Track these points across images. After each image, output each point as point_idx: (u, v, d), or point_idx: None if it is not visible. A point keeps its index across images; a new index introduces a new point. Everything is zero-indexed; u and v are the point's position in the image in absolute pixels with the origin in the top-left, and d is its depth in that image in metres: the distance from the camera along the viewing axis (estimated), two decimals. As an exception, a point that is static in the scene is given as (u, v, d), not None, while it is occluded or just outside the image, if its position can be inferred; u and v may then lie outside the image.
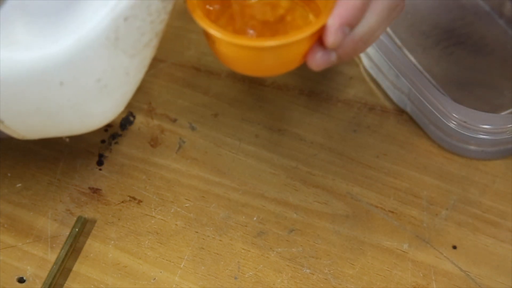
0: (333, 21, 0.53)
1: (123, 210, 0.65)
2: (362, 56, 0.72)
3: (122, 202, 0.65)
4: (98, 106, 0.54)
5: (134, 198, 0.65)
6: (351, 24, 0.54)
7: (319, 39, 0.55)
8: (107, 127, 0.69)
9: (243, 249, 0.63)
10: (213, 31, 0.54)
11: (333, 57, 0.55)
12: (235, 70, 0.58)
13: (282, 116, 0.70)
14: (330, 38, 0.53)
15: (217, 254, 0.63)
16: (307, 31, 0.53)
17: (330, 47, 0.54)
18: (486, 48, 0.73)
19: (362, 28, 0.55)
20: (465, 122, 0.64)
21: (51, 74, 0.51)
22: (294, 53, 0.55)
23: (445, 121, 0.65)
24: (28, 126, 0.54)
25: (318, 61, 0.55)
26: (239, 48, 0.54)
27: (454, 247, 0.63)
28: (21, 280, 0.61)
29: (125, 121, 0.69)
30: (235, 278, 0.62)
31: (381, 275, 0.62)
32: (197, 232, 0.64)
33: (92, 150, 0.68)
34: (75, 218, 0.64)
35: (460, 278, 0.61)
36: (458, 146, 0.67)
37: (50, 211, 0.64)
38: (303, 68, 0.72)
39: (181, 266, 0.62)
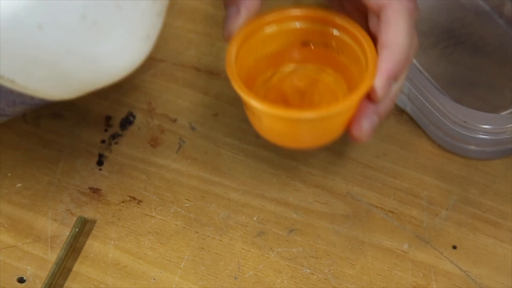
0: (382, 76, 0.53)
1: (123, 210, 0.65)
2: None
3: (122, 202, 0.65)
4: (99, 48, 0.50)
5: (134, 198, 0.65)
6: (396, 78, 0.54)
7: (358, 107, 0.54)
8: (107, 127, 0.69)
9: (243, 249, 0.63)
10: (257, 104, 0.53)
11: (376, 120, 0.55)
12: (274, 142, 0.57)
13: (282, 116, 0.70)
14: (380, 92, 0.53)
15: (217, 254, 0.63)
16: (349, 101, 0.53)
17: (379, 101, 0.54)
18: (486, 48, 0.73)
19: (399, 83, 0.55)
20: (465, 122, 0.64)
21: (22, 19, 0.47)
22: (335, 124, 0.55)
23: (445, 121, 0.65)
24: (43, 83, 0.51)
25: (366, 130, 0.55)
26: (282, 120, 0.54)
27: (454, 247, 0.63)
28: (21, 280, 0.61)
29: (125, 121, 0.69)
30: (235, 278, 0.62)
31: (381, 275, 0.62)
32: (197, 232, 0.64)
33: (92, 150, 0.68)
34: (75, 218, 0.64)
35: (460, 278, 0.61)
36: (458, 146, 0.67)
37: (50, 211, 0.64)
38: (303, 68, 0.72)
39: (181, 266, 0.62)
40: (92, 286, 0.61)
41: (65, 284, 0.61)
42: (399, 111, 0.70)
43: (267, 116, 0.54)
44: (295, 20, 0.58)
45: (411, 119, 0.70)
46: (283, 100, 0.59)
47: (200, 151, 0.68)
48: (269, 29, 0.58)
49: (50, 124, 0.69)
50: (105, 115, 0.70)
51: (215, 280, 0.61)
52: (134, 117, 0.70)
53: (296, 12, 0.58)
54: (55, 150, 0.68)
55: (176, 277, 0.61)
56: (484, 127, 0.64)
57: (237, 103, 0.71)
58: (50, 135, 0.69)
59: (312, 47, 0.59)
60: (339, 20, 0.57)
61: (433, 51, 0.72)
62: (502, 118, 0.65)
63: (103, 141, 0.68)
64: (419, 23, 0.74)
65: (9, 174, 0.66)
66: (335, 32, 0.57)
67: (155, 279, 0.61)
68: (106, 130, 0.69)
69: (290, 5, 0.58)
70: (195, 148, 0.68)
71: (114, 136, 0.69)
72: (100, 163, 0.67)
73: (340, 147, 0.68)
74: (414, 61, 0.71)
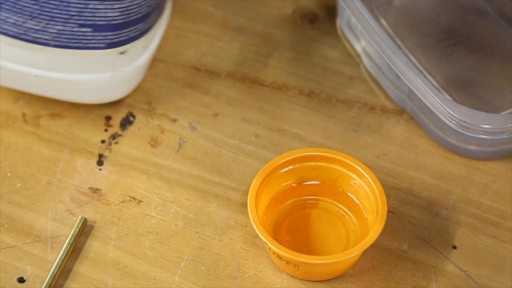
0: None
1: (123, 210, 0.65)
2: (362, 55, 0.72)
3: (122, 202, 0.65)
4: None
5: (134, 198, 0.65)
6: None
7: None
8: (107, 127, 0.69)
9: (243, 249, 0.63)
10: (285, 255, 0.58)
11: None
12: (290, 274, 0.62)
13: (282, 116, 0.70)
14: None
15: (217, 254, 0.63)
16: (363, 245, 0.59)
17: None
18: (487, 48, 0.73)
19: None
20: (465, 122, 0.64)
21: None
22: (348, 262, 0.60)
23: (445, 121, 0.65)
24: None
25: None
26: (303, 264, 0.59)
27: (454, 247, 0.63)
28: (21, 280, 0.61)
29: (125, 121, 0.69)
30: (235, 278, 0.62)
31: (381, 275, 0.62)
32: (197, 232, 0.64)
33: (92, 150, 0.68)
34: (75, 218, 0.64)
35: (460, 278, 0.61)
36: (458, 146, 0.67)
37: (50, 211, 0.65)
38: (303, 68, 0.73)
39: (181, 266, 0.62)
40: (92, 286, 0.61)
41: (65, 284, 0.61)
42: (399, 111, 0.70)
43: (292, 260, 0.59)
44: (307, 161, 0.63)
45: (411, 119, 0.70)
46: (299, 229, 0.63)
47: (200, 151, 0.68)
48: (285, 169, 0.63)
49: (50, 124, 0.69)
50: (105, 115, 0.70)
51: (215, 280, 0.61)
52: (134, 117, 0.70)
53: (295, 154, 0.63)
54: (55, 150, 0.68)
55: (176, 277, 0.61)
56: (484, 127, 0.64)
57: (237, 103, 0.71)
58: (50, 135, 0.69)
59: (321, 183, 0.64)
60: (346, 159, 0.63)
61: (433, 51, 0.72)
62: (502, 118, 0.65)
63: (103, 141, 0.68)
64: (420, 23, 0.74)
65: (9, 174, 0.66)
66: (342, 169, 0.63)
67: (155, 279, 0.61)
68: (106, 130, 0.69)
69: (302, 149, 0.64)
70: (195, 148, 0.68)
71: (114, 136, 0.69)
72: (100, 163, 0.67)
73: (340, 147, 0.68)
74: (414, 61, 0.71)
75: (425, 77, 0.69)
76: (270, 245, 0.58)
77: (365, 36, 0.69)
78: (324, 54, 0.74)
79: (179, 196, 0.66)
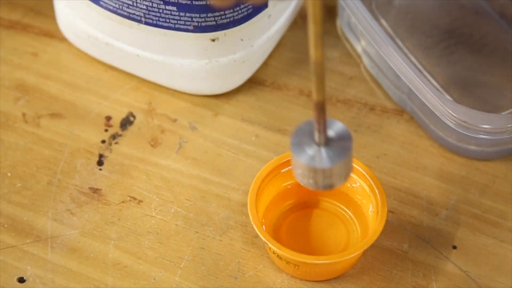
0: None
1: (123, 210, 0.65)
2: (363, 55, 0.72)
3: (122, 202, 0.65)
4: None
5: (134, 198, 0.65)
6: None
7: None
8: (107, 127, 0.69)
9: (243, 249, 0.63)
10: (285, 254, 0.58)
11: None
12: (294, 276, 0.62)
13: (282, 116, 0.70)
14: None
15: (217, 254, 0.63)
16: (360, 247, 0.59)
17: None
18: (487, 48, 0.73)
19: None
20: (465, 122, 0.64)
21: None
22: (347, 263, 0.61)
23: (445, 121, 0.65)
24: None
25: None
26: (305, 264, 0.59)
27: (454, 247, 0.63)
28: (21, 280, 0.61)
29: (125, 121, 0.69)
30: (235, 278, 0.62)
31: (381, 275, 0.62)
32: (197, 232, 0.64)
33: (92, 150, 0.68)
34: (75, 218, 0.64)
35: (460, 278, 0.61)
36: (458, 146, 0.67)
37: (50, 211, 0.65)
38: (303, 68, 0.73)
39: (181, 266, 0.62)
40: (92, 286, 0.61)
41: (65, 284, 0.61)
42: (399, 111, 0.70)
43: (292, 260, 0.59)
44: None
45: (411, 119, 0.70)
46: (300, 227, 0.63)
47: (200, 151, 0.68)
48: (285, 169, 0.63)
49: (50, 124, 0.69)
50: (105, 115, 0.70)
51: (215, 280, 0.61)
52: (134, 117, 0.70)
53: None
54: (55, 150, 0.68)
55: (176, 277, 0.62)
56: (484, 127, 0.64)
57: (237, 103, 0.71)
58: (50, 135, 0.69)
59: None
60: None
61: (433, 51, 0.72)
62: (502, 118, 0.65)
63: (103, 141, 0.68)
64: (420, 23, 0.74)
65: (9, 174, 0.66)
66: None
67: (155, 279, 0.61)
68: (106, 130, 0.69)
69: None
70: (195, 148, 0.68)
71: (114, 136, 0.69)
72: (100, 163, 0.67)
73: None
74: (414, 61, 0.71)
75: (425, 77, 0.69)
76: (270, 245, 0.58)
77: (365, 36, 0.69)
78: (324, 54, 0.73)
79: (179, 196, 0.66)
